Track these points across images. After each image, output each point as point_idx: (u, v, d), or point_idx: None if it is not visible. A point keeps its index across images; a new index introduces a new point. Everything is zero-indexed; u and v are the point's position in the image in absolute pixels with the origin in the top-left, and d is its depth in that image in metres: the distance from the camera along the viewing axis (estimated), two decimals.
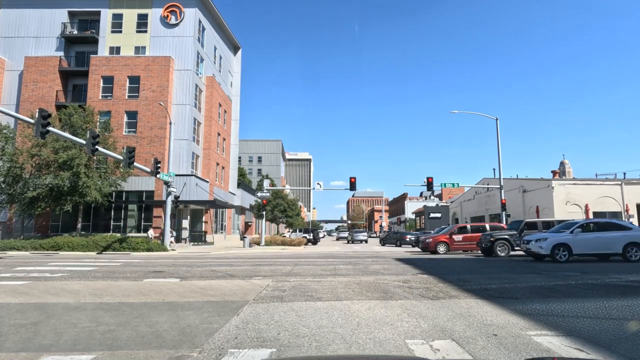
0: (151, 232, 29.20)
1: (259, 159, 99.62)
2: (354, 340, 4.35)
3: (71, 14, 36.10)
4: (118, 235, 27.63)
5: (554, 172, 42.36)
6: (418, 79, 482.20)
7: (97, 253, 21.57)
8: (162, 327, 5.02)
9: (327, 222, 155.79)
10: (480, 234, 21.07)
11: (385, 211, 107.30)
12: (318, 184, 33.66)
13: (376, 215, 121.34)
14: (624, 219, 32.00)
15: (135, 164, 21.34)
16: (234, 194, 46.65)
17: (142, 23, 35.48)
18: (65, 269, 12.55)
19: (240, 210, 50.89)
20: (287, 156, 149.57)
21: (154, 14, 35.48)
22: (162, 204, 29.27)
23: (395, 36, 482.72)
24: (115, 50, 35.16)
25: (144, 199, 32.63)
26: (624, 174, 35.98)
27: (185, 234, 33.11)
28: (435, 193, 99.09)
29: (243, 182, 55.05)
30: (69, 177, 25.44)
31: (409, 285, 8.75)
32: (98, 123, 29.80)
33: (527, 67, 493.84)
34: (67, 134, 20.20)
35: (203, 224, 36.08)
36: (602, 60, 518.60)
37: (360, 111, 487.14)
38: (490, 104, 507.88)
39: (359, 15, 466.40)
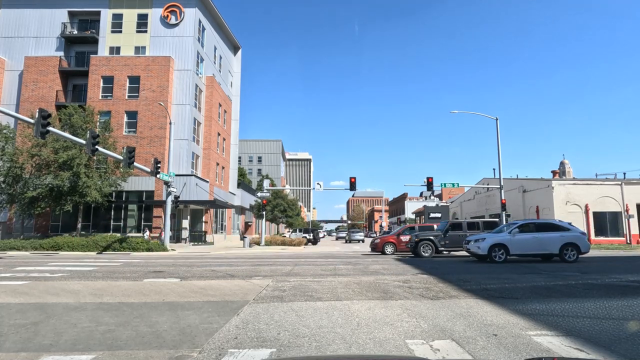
0: (147, 234, 29.16)
1: (259, 159, 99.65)
2: (354, 340, 4.35)
3: (71, 14, 36.13)
4: (118, 235, 27.62)
5: (554, 172, 42.33)
6: (418, 79, 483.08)
7: (97, 253, 21.57)
8: (162, 327, 5.02)
9: (327, 222, 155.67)
10: None
11: (385, 211, 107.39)
12: (318, 184, 33.63)
13: (376, 215, 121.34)
14: (624, 218, 32.04)
15: (135, 164, 21.34)
16: (234, 194, 46.66)
17: (142, 23, 35.50)
18: (65, 269, 12.55)
19: (240, 210, 50.90)
20: (287, 156, 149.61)
21: (154, 14, 35.50)
22: (162, 204, 29.30)
23: (395, 36, 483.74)
24: (115, 50, 35.18)
25: (144, 199, 32.66)
26: (624, 174, 35.99)
27: (185, 234, 33.11)
28: (435, 193, 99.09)
29: (243, 182, 55.05)
30: (69, 177, 25.46)
31: (409, 285, 8.76)
32: (98, 123, 29.80)
33: (527, 67, 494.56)
34: (67, 134, 20.20)
35: (203, 224, 36.10)
36: (602, 60, 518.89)
37: (360, 111, 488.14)
38: (490, 104, 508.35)
39: (359, 15, 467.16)
